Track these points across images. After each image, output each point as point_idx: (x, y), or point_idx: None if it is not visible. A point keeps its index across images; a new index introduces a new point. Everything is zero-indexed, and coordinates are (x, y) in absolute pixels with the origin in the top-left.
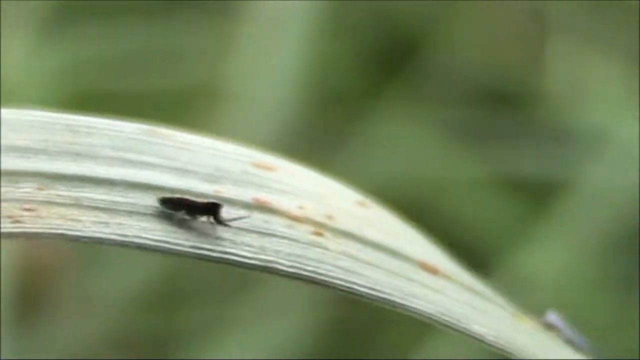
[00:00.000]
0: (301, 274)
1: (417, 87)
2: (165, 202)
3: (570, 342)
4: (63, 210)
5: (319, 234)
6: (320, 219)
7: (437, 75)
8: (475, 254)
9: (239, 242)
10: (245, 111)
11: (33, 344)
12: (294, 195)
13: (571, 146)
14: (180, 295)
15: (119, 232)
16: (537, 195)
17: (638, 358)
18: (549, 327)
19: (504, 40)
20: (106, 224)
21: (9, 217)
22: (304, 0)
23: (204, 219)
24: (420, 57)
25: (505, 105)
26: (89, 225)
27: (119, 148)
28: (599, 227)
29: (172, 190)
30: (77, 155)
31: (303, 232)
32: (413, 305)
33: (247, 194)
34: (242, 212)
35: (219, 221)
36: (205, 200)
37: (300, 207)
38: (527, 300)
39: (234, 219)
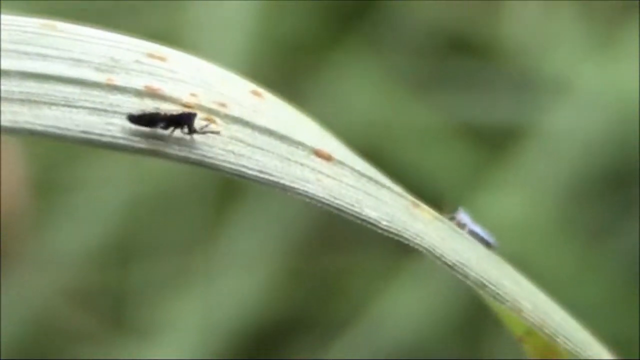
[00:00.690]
0: (190, 158)
1: (376, 36)
2: (137, 119)
3: (476, 237)
4: None
5: (210, 120)
6: (212, 106)
7: (396, 25)
8: (434, 202)
9: (128, 128)
10: None
11: None
12: (186, 83)
13: (532, 94)
14: (139, 248)
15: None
16: (498, 143)
17: (601, 302)
18: (460, 225)
19: None
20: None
21: None
22: None
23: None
24: (379, 7)
25: (465, 54)
26: None
27: (16, 41)
28: (559, 174)
29: (67, 79)
30: None
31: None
32: (303, 189)
33: (139, 82)
34: (212, 126)
35: (193, 131)
36: (180, 111)
37: (192, 95)
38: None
39: (206, 131)
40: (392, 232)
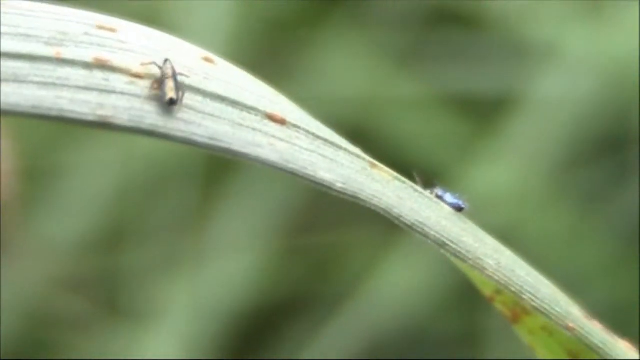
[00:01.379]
0: (140, 128)
1: (360, 11)
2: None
3: (449, 205)
4: None
5: (156, 89)
6: (155, 76)
7: None
8: (428, 174)
9: (77, 100)
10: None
11: None
12: (136, 53)
13: (520, 62)
14: (129, 233)
15: None
16: (488, 113)
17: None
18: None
19: None
20: None
21: None
22: None
23: None
24: None
25: (451, 25)
26: None
27: None
28: (551, 141)
29: (17, 55)
30: None
31: (143, 87)
32: (255, 154)
33: (89, 55)
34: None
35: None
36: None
37: (142, 65)
38: (482, 216)
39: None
40: (347, 194)
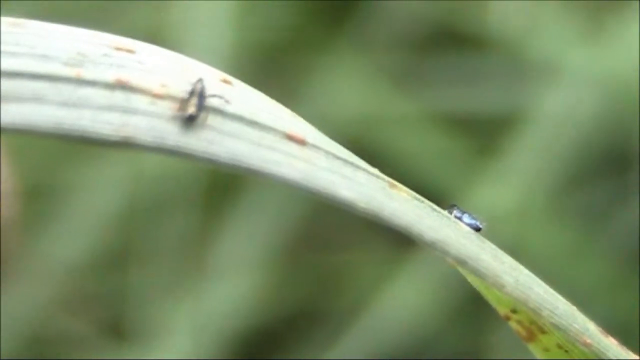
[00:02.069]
0: (163, 148)
1: (362, 33)
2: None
3: (469, 225)
4: None
5: (182, 110)
6: (182, 95)
7: (381, 20)
8: (431, 194)
9: (100, 120)
10: None
11: None
12: (155, 74)
13: (521, 81)
14: (133, 253)
15: None
16: (490, 132)
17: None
18: (457, 218)
19: None
20: None
21: None
22: None
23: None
24: (363, 4)
25: (452, 45)
26: None
27: None
28: (553, 160)
29: (36, 75)
30: None
31: (164, 108)
32: (276, 173)
33: (109, 75)
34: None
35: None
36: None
37: (163, 85)
38: (491, 235)
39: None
40: (369, 213)
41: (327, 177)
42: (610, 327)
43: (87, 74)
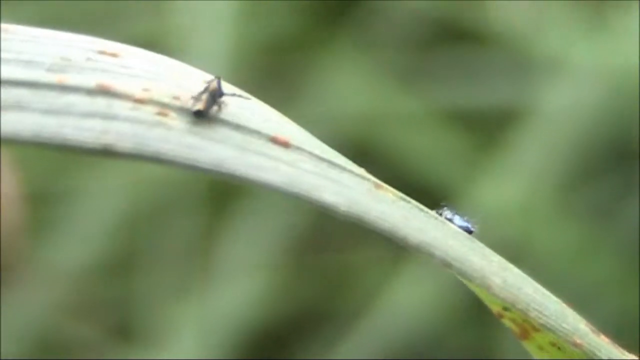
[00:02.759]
0: (144, 154)
1: (363, 31)
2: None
3: (460, 228)
4: None
5: (164, 114)
6: (165, 99)
7: (383, 17)
8: (436, 190)
9: (81, 128)
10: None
11: None
12: (139, 78)
13: (525, 77)
14: (137, 258)
15: None
16: (494, 128)
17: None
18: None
19: None
20: None
21: None
22: None
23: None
24: (364, 2)
25: (455, 42)
26: None
27: None
28: (558, 155)
29: (18, 82)
30: None
31: (147, 113)
32: (259, 179)
33: (91, 80)
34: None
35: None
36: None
37: (145, 90)
38: (489, 233)
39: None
40: (352, 217)
41: (310, 180)
42: (619, 324)
43: (70, 79)
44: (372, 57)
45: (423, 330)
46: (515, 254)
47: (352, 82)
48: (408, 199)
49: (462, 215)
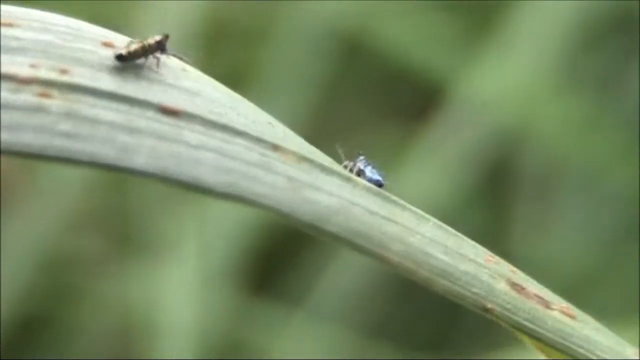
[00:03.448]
0: (16, 149)
1: None
2: (124, 57)
3: (370, 181)
4: None
5: (46, 95)
6: (51, 75)
7: None
8: (434, 83)
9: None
10: None
11: None
12: (29, 51)
13: None
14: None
15: None
16: (491, 8)
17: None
18: (358, 172)
19: None
20: None
21: None
22: None
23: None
24: None
25: None
26: None
27: None
28: (557, 28)
29: None
30: None
31: (28, 95)
32: (125, 164)
33: None
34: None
35: (166, 52)
36: (157, 38)
37: (33, 66)
38: (486, 117)
39: (177, 55)
40: (233, 196)
41: (191, 154)
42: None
43: None
44: None
45: (436, 212)
46: (517, 140)
47: None
48: (311, 156)
49: (376, 167)
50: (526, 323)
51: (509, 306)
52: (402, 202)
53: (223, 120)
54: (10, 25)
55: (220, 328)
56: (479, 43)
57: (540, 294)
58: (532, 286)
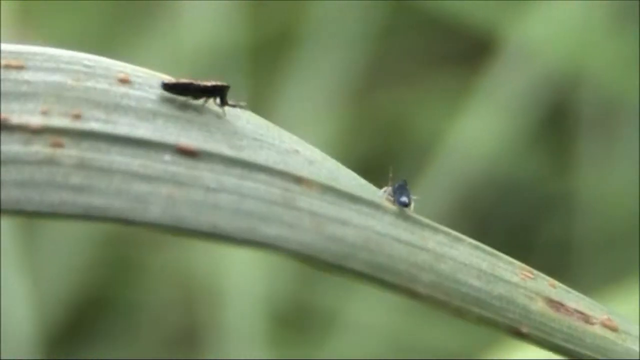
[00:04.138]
0: (25, 210)
1: None
2: (170, 87)
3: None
4: None
5: (58, 145)
6: (63, 122)
7: None
8: (482, 32)
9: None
10: None
11: None
12: (40, 96)
13: None
14: None
15: None
16: None
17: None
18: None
19: None
20: None
21: None
22: None
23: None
24: None
25: None
26: None
27: None
28: None
29: None
30: None
31: (40, 147)
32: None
33: None
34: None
35: (225, 103)
36: (213, 82)
37: (44, 113)
38: (540, 61)
39: (236, 105)
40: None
41: (209, 199)
42: None
43: None
44: None
45: (496, 160)
46: (572, 83)
47: None
48: (338, 184)
49: (405, 190)
50: (564, 344)
51: (545, 328)
52: (434, 224)
53: (243, 155)
54: (21, 67)
55: (285, 293)
56: None
57: (581, 308)
58: (573, 299)
